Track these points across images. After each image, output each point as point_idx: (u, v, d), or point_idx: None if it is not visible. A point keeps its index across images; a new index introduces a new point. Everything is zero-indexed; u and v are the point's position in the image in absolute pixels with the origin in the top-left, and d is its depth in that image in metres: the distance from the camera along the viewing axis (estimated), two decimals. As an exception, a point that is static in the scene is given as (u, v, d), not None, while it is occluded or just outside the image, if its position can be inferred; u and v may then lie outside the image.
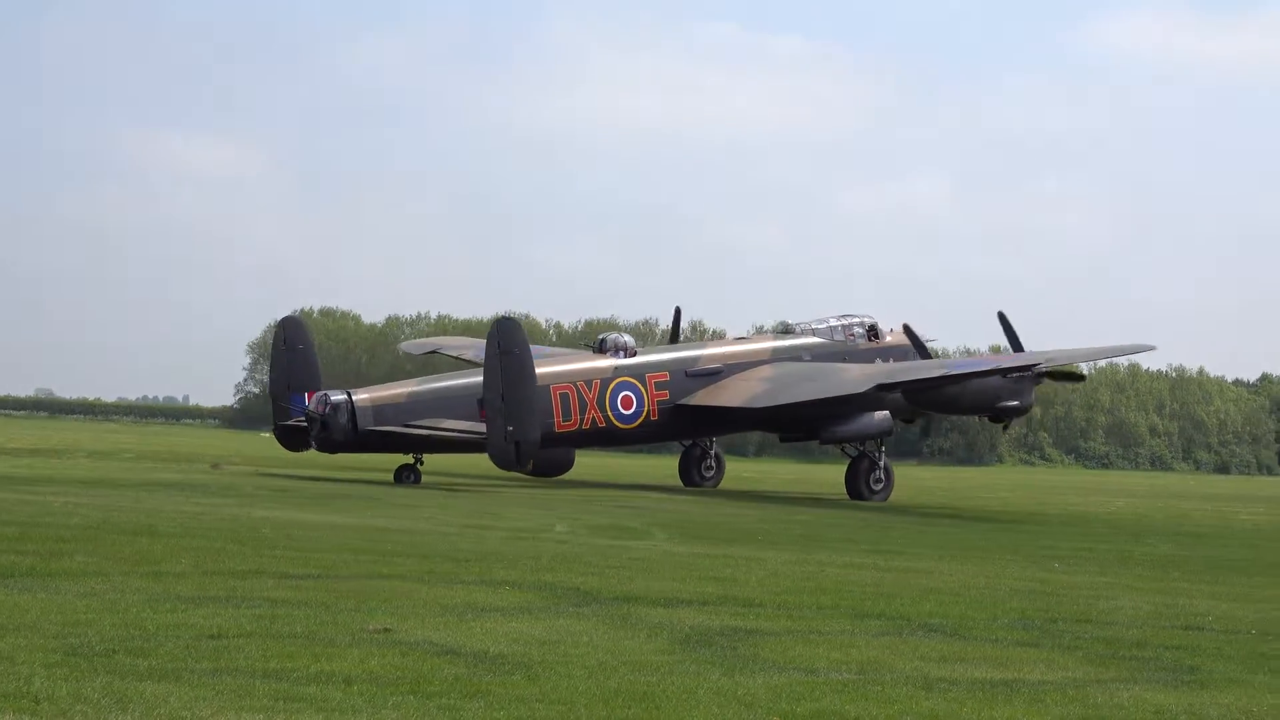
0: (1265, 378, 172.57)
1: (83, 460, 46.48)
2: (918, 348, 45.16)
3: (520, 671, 11.64)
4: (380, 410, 40.57)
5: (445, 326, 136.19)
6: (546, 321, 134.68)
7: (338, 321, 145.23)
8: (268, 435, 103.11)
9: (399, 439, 40.60)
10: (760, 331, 60.58)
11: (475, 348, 56.83)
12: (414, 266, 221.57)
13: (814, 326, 46.86)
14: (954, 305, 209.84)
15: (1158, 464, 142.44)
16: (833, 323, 47.01)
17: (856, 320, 47.13)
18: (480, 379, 40.05)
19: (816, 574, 20.14)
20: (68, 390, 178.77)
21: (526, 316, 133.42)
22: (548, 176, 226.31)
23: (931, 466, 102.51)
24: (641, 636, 13.67)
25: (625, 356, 43.82)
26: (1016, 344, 42.96)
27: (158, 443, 71.37)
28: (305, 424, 41.22)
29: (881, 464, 44.33)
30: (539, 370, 40.01)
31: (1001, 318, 43.21)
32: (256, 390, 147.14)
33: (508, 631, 13.53)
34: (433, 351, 59.34)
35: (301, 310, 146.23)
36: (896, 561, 22.90)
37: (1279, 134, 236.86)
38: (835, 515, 35.34)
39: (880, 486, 44.05)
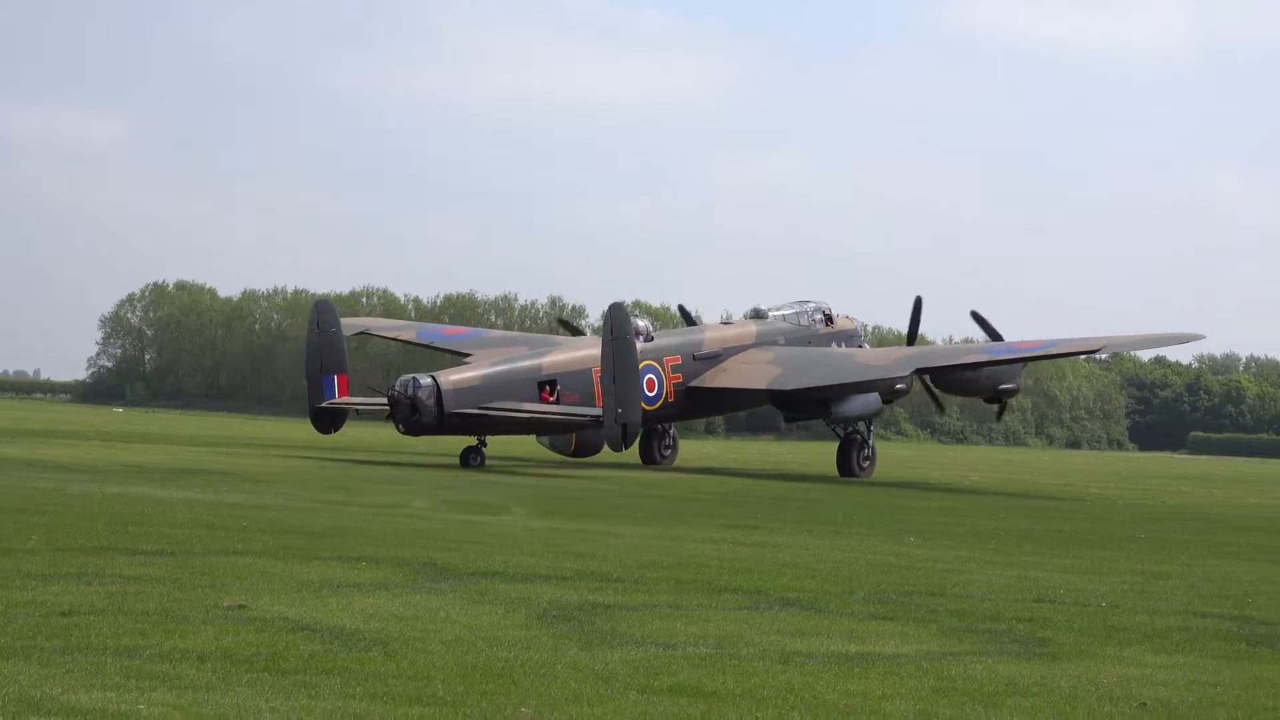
0: (1116, 355, 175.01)
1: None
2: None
3: (377, 647, 11.58)
4: (461, 393, 40.98)
5: (299, 300, 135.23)
6: (405, 296, 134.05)
7: (193, 295, 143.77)
8: (120, 410, 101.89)
9: (491, 421, 41.28)
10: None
11: (411, 329, 58.72)
12: (270, 240, 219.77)
13: (783, 313, 49.29)
14: (819, 279, 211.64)
15: (1011, 439, 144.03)
16: (796, 309, 49.58)
17: (814, 306, 49.85)
18: (536, 361, 42.55)
19: (674, 549, 20.19)
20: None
21: (384, 291, 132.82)
22: (407, 151, 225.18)
23: (790, 441, 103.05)
24: (499, 612, 13.64)
25: (644, 340, 44.98)
26: (995, 334, 46.67)
27: (7, 417, 70.30)
28: (388, 407, 41.41)
29: (870, 443, 46.91)
30: (579, 354, 42.68)
31: (976, 316, 46.84)
32: (109, 364, 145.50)
33: (364, 607, 13.46)
34: (362, 333, 59.55)
35: (156, 284, 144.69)
36: (754, 536, 23.01)
37: (1142, 114, 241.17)
38: (695, 489, 35.44)
39: (868, 464, 46.66)
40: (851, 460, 46.38)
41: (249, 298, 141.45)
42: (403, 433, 41.72)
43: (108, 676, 10.13)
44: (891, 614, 14.73)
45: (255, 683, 10.14)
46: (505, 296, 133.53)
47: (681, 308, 51.64)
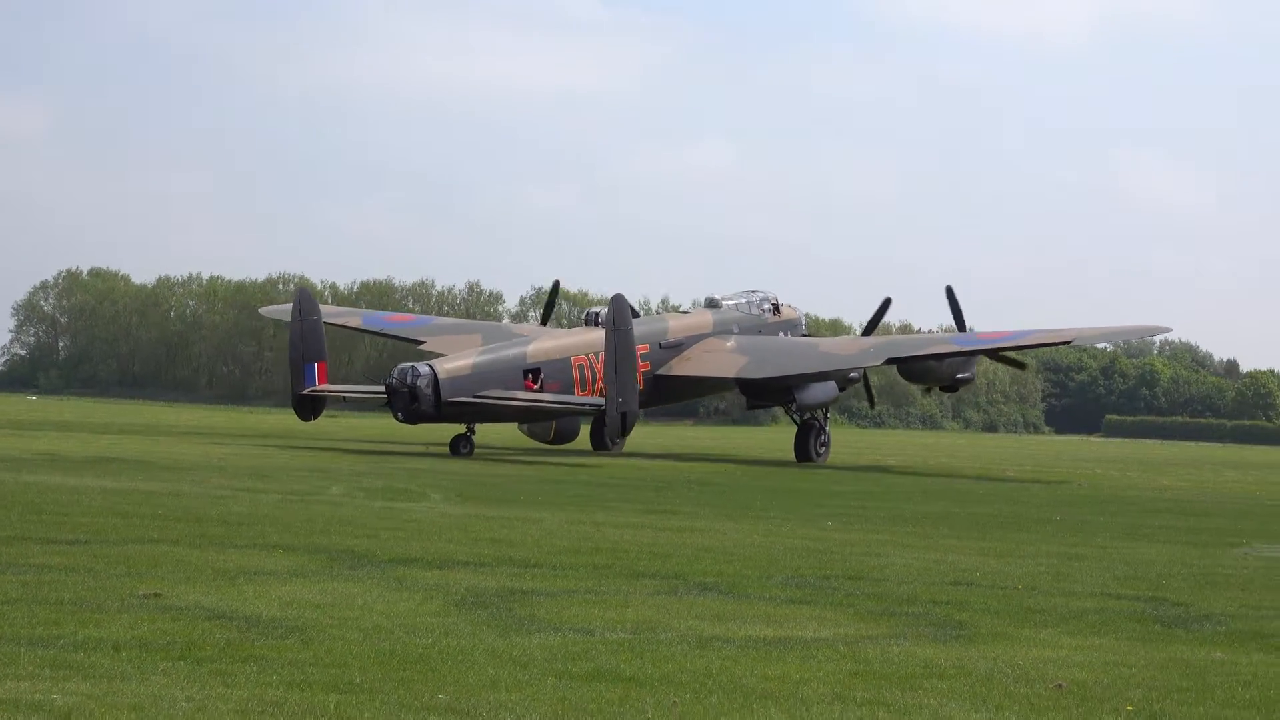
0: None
1: None
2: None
3: (294, 635, 11.54)
4: (455, 382, 41.69)
5: (215, 287, 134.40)
6: (321, 282, 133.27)
7: (107, 282, 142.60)
8: (34, 398, 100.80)
9: (488, 410, 42.26)
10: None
11: (356, 316, 59.74)
12: (185, 227, 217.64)
13: (735, 302, 50.63)
14: (743, 268, 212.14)
15: (928, 423, 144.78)
16: (747, 298, 50.92)
17: (761, 296, 51.25)
18: (521, 349, 43.85)
19: (593, 534, 20.21)
20: None
21: (301, 277, 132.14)
22: (322, 136, 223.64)
23: (707, 426, 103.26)
24: (416, 598, 13.62)
25: None
26: (961, 322, 48.84)
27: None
28: (386, 395, 42.24)
29: (827, 429, 48.48)
30: (560, 342, 44.27)
31: (949, 293, 48.38)
32: (22, 352, 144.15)
33: (281, 595, 13.41)
34: None
35: (69, 270, 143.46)
36: (672, 521, 23.04)
37: (1058, 101, 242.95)
38: (614, 475, 35.44)
39: (824, 449, 48.22)
40: (809, 445, 47.67)
41: (164, 285, 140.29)
42: (401, 421, 42.42)
43: (21, 666, 10.04)
44: (809, 598, 14.79)
45: (171, 671, 10.07)
46: (422, 282, 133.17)
47: (711, 299, 52.57)
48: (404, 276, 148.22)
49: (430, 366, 41.75)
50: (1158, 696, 10.65)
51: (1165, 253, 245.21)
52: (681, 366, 47.20)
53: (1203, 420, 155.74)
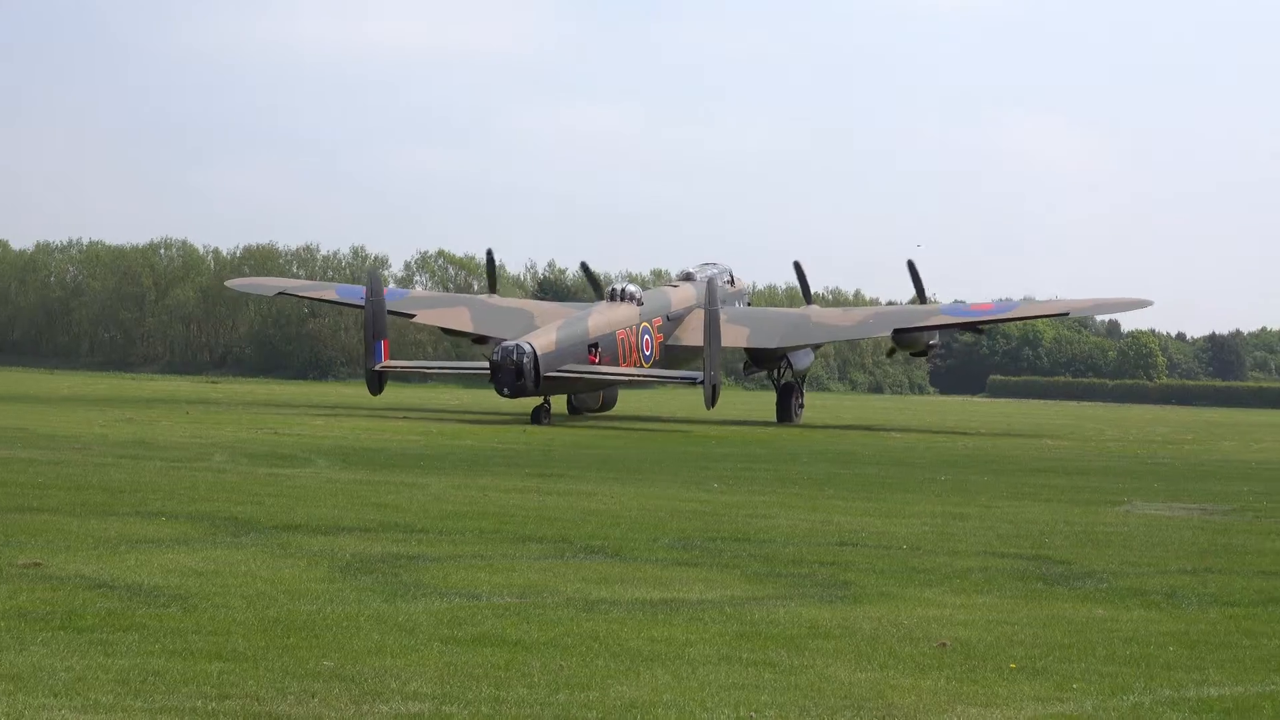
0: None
1: None
2: (803, 287, 56.81)
3: (176, 603, 11.44)
4: (547, 358, 44.11)
5: (98, 253, 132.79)
6: (204, 247, 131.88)
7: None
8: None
9: (587, 382, 46.10)
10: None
11: (330, 289, 60.67)
12: (64, 192, 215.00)
13: (707, 276, 52.53)
14: (633, 231, 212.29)
15: (814, 384, 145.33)
16: (713, 271, 53.49)
17: (721, 269, 54.52)
18: (584, 326, 46.22)
19: (479, 498, 20.18)
20: None
21: (183, 242, 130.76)
22: (206, 99, 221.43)
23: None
24: (301, 565, 13.54)
25: (638, 304, 48.94)
26: (922, 293, 52.37)
27: None
28: (491, 372, 44.21)
29: (803, 393, 53.81)
30: (606, 319, 47.05)
31: (910, 266, 52.02)
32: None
33: (163, 563, 13.30)
34: (281, 293, 62.79)
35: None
36: (559, 484, 23.03)
37: (965, 65, 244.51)
38: (500, 438, 35.38)
39: (800, 409, 53.15)
40: (790, 406, 52.38)
41: (43, 250, 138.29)
42: (509, 396, 44.45)
43: (-104, 638, 9.91)
44: (696, 560, 14.83)
45: (50, 641, 9.97)
46: (307, 247, 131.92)
47: (686, 272, 55.11)
48: (288, 240, 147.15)
49: (531, 344, 43.86)
50: (1041, 654, 10.75)
51: (1041, 210, 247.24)
52: (688, 337, 49.75)
53: (1085, 380, 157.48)
